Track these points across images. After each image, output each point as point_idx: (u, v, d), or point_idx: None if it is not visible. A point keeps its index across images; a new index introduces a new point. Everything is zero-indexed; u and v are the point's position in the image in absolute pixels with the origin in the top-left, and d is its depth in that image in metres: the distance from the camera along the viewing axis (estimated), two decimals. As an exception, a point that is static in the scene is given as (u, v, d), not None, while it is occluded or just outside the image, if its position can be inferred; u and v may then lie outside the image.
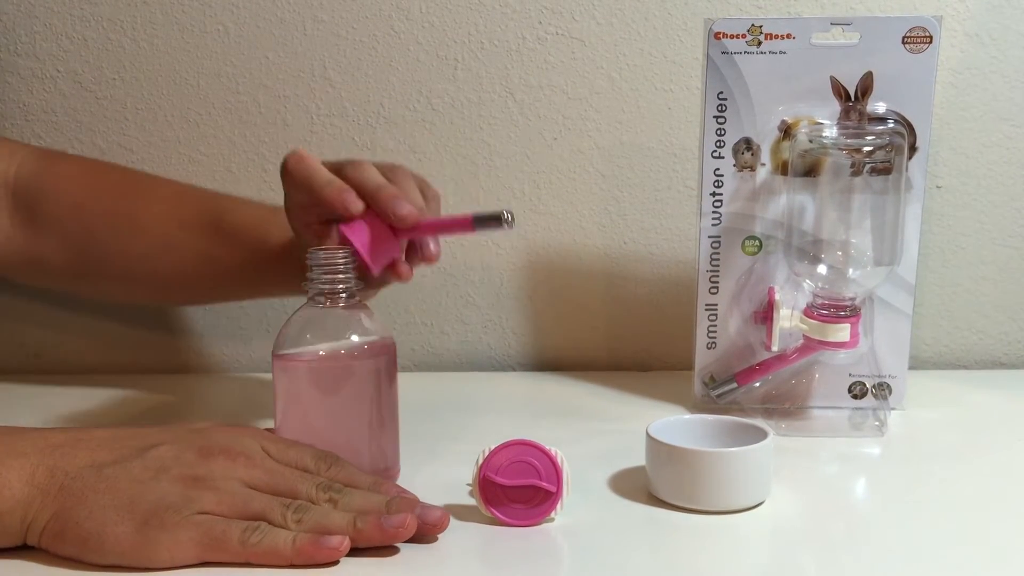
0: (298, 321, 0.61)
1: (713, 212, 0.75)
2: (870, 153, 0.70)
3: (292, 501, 0.52)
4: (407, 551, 0.53)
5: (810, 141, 0.72)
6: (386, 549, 0.53)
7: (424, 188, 0.66)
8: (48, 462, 0.51)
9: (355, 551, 0.52)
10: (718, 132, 0.74)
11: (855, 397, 0.76)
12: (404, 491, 0.57)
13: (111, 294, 0.84)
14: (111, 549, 0.50)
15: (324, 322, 0.61)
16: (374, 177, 0.62)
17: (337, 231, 0.62)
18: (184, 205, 0.77)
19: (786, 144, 0.73)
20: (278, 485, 0.53)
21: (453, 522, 0.56)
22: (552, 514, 0.56)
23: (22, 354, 0.93)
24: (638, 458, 0.61)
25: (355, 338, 0.61)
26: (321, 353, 0.61)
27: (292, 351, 0.60)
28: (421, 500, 0.55)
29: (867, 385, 0.76)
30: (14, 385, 0.89)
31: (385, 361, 0.61)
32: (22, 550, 0.51)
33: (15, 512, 0.50)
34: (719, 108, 0.73)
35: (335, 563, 0.51)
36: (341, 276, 0.60)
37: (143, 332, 0.93)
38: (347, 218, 0.61)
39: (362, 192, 0.61)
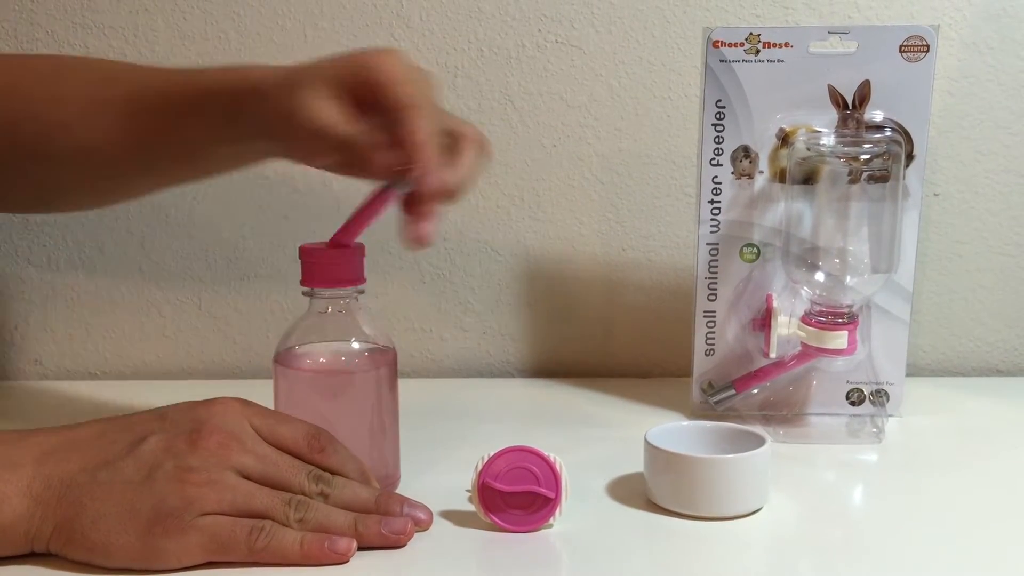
0: (300, 327, 0.61)
1: (711, 219, 0.75)
2: (867, 161, 0.71)
3: (292, 497, 0.53)
4: (406, 557, 0.54)
5: (808, 149, 0.72)
6: (385, 556, 0.53)
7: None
8: (43, 471, 0.51)
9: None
10: (716, 140, 0.74)
11: (853, 404, 0.77)
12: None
13: (32, 185, 0.73)
14: (119, 558, 0.50)
15: (325, 328, 0.61)
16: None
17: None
18: (105, 76, 0.70)
19: (784, 152, 0.74)
20: (269, 474, 0.53)
21: (452, 528, 0.57)
22: (551, 520, 0.56)
23: (22, 359, 0.93)
24: (636, 464, 0.62)
25: (356, 345, 0.61)
26: (322, 360, 0.61)
27: (293, 357, 0.60)
28: (413, 496, 0.57)
29: (865, 392, 0.76)
30: (14, 391, 0.89)
31: (386, 368, 0.61)
32: (28, 556, 0.51)
33: (18, 526, 0.50)
34: (717, 116, 0.74)
35: (343, 563, 0.52)
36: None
37: (143, 339, 0.93)
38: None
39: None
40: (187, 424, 0.53)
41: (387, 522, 0.54)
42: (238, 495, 0.51)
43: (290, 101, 0.57)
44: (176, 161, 0.68)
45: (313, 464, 0.55)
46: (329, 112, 0.56)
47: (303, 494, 0.53)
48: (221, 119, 0.62)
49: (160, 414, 0.55)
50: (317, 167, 0.62)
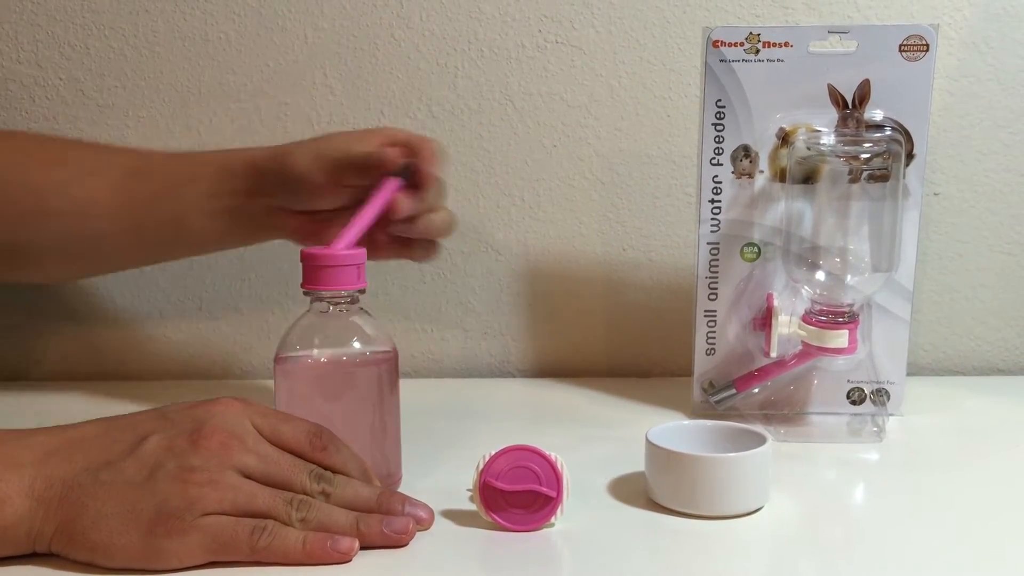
0: (301, 327, 0.61)
1: (712, 219, 0.76)
2: (868, 160, 0.71)
3: (294, 496, 0.53)
4: (407, 556, 0.54)
5: (808, 148, 0.72)
6: (387, 555, 0.53)
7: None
8: (45, 471, 0.51)
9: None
10: (716, 139, 0.74)
11: (853, 403, 0.77)
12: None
13: (30, 272, 0.79)
14: (121, 558, 0.50)
15: (326, 328, 0.61)
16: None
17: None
18: (101, 163, 0.76)
19: (784, 151, 0.74)
20: (271, 473, 0.53)
21: (454, 527, 0.57)
22: (552, 519, 0.56)
23: (23, 361, 0.93)
24: (637, 463, 0.62)
25: (357, 345, 0.61)
26: (323, 360, 0.61)
27: (294, 357, 0.60)
28: (415, 495, 0.57)
29: (865, 391, 0.77)
30: (15, 391, 0.89)
31: (387, 368, 0.61)
32: (30, 556, 0.51)
33: (20, 526, 0.50)
34: (717, 115, 0.74)
35: (346, 562, 0.52)
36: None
37: (143, 339, 0.93)
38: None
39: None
40: (188, 424, 0.53)
41: (389, 521, 0.54)
42: (240, 495, 0.51)
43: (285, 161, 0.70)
44: (161, 232, 0.75)
45: (315, 463, 0.55)
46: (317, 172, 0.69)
47: (305, 493, 0.53)
48: (217, 187, 0.72)
49: (161, 414, 0.55)
50: (293, 238, 0.74)
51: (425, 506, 0.57)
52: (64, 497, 0.50)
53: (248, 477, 0.52)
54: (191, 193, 0.73)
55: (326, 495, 0.54)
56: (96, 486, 0.51)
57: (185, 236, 0.75)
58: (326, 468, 0.55)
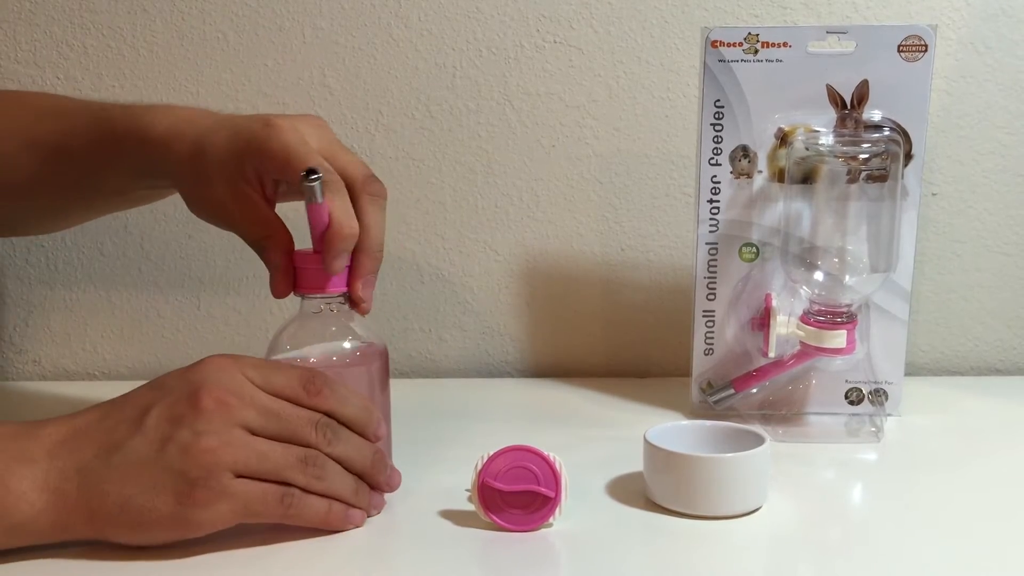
0: (291, 327, 0.61)
1: (710, 219, 0.76)
2: (866, 160, 0.71)
3: (306, 454, 0.54)
4: (406, 556, 0.54)
5: (806, 148, 0.72)
6: (384, 555, 0.54)
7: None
8: (57, 464, 0.51)
9: (356, 549, 0.54)
10: (715, 140, 0.74)
11: (851, 403, 0.77)
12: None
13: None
14: (156, 534, 0.52)
15: (316, 328, 0.61)
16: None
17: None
18: (36, 113, 0.72)
19: (783, 151, 0.74)
20: (276, 429, 0.54)
21: (452, 528, 0.57)
22: (551, 519, 0.56)
23: (20, 360, 0.93)
24: (636, 464, 0.62)
25: (347, 344, 0.61)
26: (313, 360, 0.61)
27: (285, 357, 0.60)
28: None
29: (863, 391, 0.77)
30: (14, 391, 0.89)
31: (377, 367, 0.61)
32: (54, 548, 0.52)
33: (41, 519, 0.51)
34: (716, 116, 0.74)
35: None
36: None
37: (141, 339, 0.93)
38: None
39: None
40: (184, 388, 0.53)
41: (375, 499, 0.58)
42: (251, 455, 0.52)
43: (206, 190, 0.64)
44: (104, 199, 0.74)
45: (313, 409, 0.55)
46: (248, 212, 0.63)
47: (310, 446, 0.54)
48: (137, 169, 0.67)
49: (156, 384, 0.55)
50: None
51: (397, 473, 0.59)
52: (81, 486, 0.51)
53: (253, 433, 0.53)
54: (121, 176, 0.69)
55: (329, 443, 0.55)
56: (110, 470, 0.51)
57: (131, 200, 0.76)
58: (325, 413, 0.56)
